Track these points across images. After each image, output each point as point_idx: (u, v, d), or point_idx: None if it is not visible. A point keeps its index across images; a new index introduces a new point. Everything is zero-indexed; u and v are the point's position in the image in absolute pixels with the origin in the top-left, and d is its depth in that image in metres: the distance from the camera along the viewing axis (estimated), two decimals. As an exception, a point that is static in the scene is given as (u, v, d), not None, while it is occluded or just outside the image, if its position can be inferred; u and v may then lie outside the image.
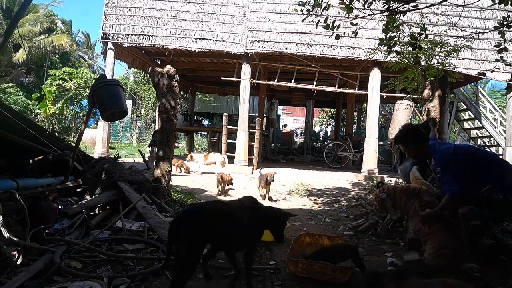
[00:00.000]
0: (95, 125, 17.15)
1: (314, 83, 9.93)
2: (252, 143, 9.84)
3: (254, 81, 10.00)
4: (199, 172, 8.93)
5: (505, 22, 3.58)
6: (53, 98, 15.48)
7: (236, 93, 14.23)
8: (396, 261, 3.05)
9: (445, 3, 4.88)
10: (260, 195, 5.75)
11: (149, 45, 10.04)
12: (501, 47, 3.69)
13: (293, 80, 10.08)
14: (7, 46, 17.73)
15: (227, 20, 9.60)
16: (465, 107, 12.97)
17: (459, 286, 2.03)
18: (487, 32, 6.68)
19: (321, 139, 20.91)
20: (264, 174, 5.72)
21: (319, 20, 3.50)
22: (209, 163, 9.01)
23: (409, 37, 4.02)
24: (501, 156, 11.39)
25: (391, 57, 5.39)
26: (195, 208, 2.25)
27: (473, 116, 12.97)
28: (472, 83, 12.31)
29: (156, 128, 7.29)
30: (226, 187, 6.29)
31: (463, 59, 8.87)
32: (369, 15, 3.62)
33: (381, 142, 12.12)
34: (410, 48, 4.38)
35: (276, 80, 10.16)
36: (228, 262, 2.52)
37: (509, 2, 3.26)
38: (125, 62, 11.36)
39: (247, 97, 9.72)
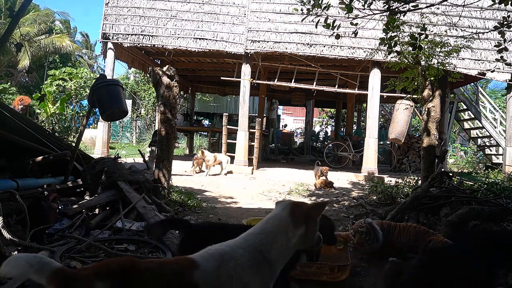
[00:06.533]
0: (95, 125, 17.15)
1: (314, 83, 9.93)
2: (252, 143, 9.84)
3: (254, 81, 10.00)
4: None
5: (505, 22, 3.59)
6: (53, 98, 15.48)
7: (236, 93, 14.22)
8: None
9: (445, 3, 4.89)
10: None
11: (149, 45, 10.04)
12: (501, 47, 3.69)
13: (293, 80, 10.08)
14: (7, 47, 17.72)
15: (227, 20, 9.59)
16: (465, 107, 12.96)
17: None
18: (487, 32, 6.70)
19: (321, 139, 20.91)
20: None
21: (319, 20, 3.50)
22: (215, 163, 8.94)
23: (409, 37, 4.02)
24: (500, 156, 11.45)
25: (391, 57, 5.38)
26: None
27: (473, 116, 12.96)
28: (472, 83, 12.30)
29: (156, 128, 7.29)
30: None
31: (463, 59, 8.86)
32: (369, 15, 3.63)
33: (381, 142, 12.12)
34: (410, 48, 4.38)
35: (276, 80, 10.15)
36: None
37: (509, 2, 3.26)
38: (125, 62, 11.35)
39: (247, 97, 9.72)
